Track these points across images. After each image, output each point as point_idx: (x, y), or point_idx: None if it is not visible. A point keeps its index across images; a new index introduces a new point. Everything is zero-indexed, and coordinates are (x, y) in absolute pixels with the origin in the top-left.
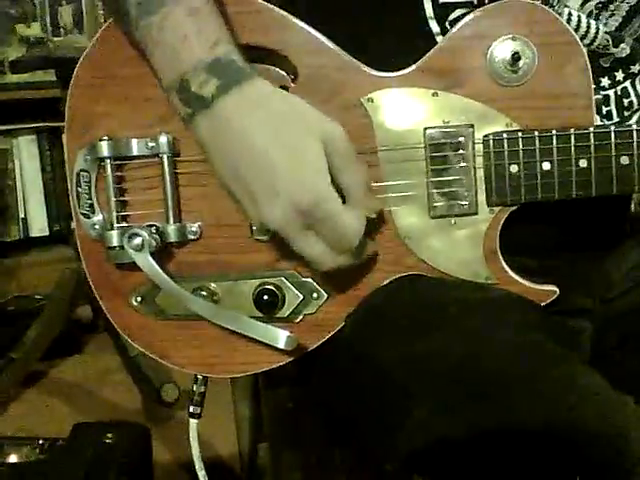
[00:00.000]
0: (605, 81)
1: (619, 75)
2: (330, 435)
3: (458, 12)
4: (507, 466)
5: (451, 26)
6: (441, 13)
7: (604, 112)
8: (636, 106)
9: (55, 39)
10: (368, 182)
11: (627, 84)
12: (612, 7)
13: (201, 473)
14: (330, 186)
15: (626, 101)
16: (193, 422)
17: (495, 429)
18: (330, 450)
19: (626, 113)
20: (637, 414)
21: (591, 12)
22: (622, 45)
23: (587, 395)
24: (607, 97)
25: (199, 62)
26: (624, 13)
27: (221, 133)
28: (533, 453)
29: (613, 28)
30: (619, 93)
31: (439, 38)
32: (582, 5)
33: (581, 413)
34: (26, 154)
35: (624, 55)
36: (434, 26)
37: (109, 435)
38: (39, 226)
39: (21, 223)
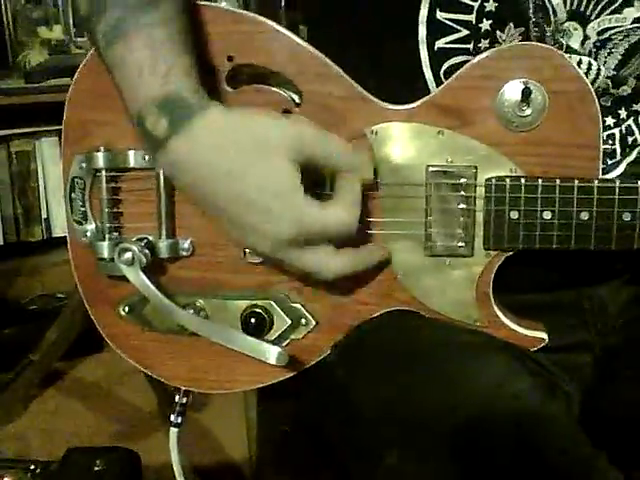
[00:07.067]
0: (610, 120)
1: (622, 113)
2: (317, 458)
3: (452, 60)
4: None
5: (445, 77)
6: (436, 61)
7: (609, 150)
8: (639, 141)
9: (78, 40)
10: (350, 153)
11: (630, 122)
12: (610, 45)
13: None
14: (305, 200)
15: (630, 139)
16: (174, 431)
17: None
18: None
19: (628, 150)
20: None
21: (590, 51)
22: (623, 87)
23: (562, 449)
24: (612, 135)
25: (152, 100)
26: (623, 51)
27: (182, 174)
28: None
29: (612, 67)
30: (624, 131)
31: (432, 86)
32: (582, 44)
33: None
34: (48, 156)
35: (625, 94)
36: (428, 74)
37: (98, 462)
38: (61, 226)
39: (44, 224)
